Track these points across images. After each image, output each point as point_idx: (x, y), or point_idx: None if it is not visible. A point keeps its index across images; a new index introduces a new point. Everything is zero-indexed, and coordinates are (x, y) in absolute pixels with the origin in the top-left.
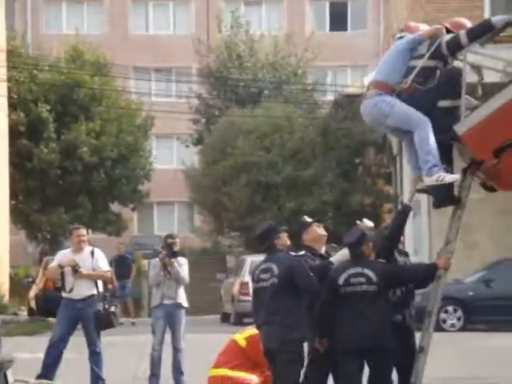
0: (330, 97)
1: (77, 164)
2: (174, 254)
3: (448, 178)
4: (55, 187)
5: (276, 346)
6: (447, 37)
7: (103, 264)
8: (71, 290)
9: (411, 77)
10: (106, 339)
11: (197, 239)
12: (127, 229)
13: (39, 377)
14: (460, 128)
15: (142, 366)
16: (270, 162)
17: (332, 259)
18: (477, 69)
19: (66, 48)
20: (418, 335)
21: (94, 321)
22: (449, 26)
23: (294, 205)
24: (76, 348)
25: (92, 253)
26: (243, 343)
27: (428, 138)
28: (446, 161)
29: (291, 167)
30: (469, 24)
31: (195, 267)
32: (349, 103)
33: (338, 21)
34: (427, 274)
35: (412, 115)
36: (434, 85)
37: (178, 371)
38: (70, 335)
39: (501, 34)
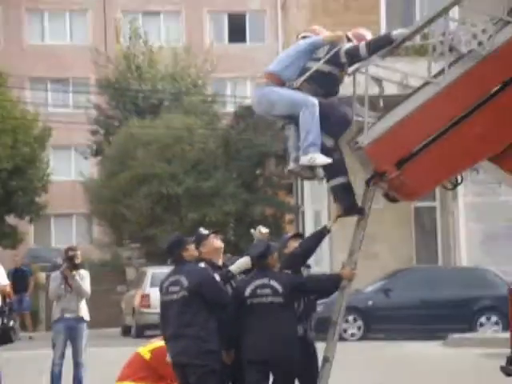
0: (230, 108)
1: None
2: (76, 267)
3: (320, 159)
4: None
5: (187, 360)
6: (347, 45)
7: (2, 278)
8: None
9: (303, 78)
10: (4, 354)
11: (96, 251)
12: (23, 241)
13: None
14: (363, 140)
15: (42, 382)
16: (171, 173)
17: (232, 268)
18: (378, 81)
19: None
20: (320, 345)
21: None
22: (350, 36)
23: (196, 216)
24: None
25: None
26: (147, 356)
27: (312, 118)
28: None
29: (192, 178)
30: (370, 36)
31: (94, 280)
32: (249, 114)
33: (237, 33)
34: (332, 284)
35: (297, 97)
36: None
37: None
38: None
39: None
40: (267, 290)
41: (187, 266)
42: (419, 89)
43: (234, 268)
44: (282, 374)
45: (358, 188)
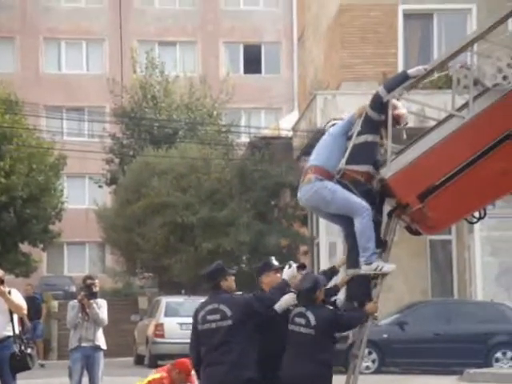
0: (245, 139)
1: None
2: (93, 295)
3: (386, 268)
4: None
5: None
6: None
7: (22, 302)
8: None
9: (344, 160)
10: (21, 382)
11: (108, 280)
12: (36, 270)
13: None
14: (386, 172)
15: None
16: (186, 202)
17: (276, 306)
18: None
19: None
20: (336, 378)
21: (10, 363)
22: None
23: (211, 245)
24: None
25: (9, 293)
26: None
27: (370, 226)
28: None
29: (207, 208)
30: (397, 104)
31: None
32: (265, 145)
33: (252, 64)
34: (360, 320)
35: (354, 202)
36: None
37: None
38: None
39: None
40: (302, 320)
41: (225, 296)
42: (443, 122)
43: (278, 306)
44: None
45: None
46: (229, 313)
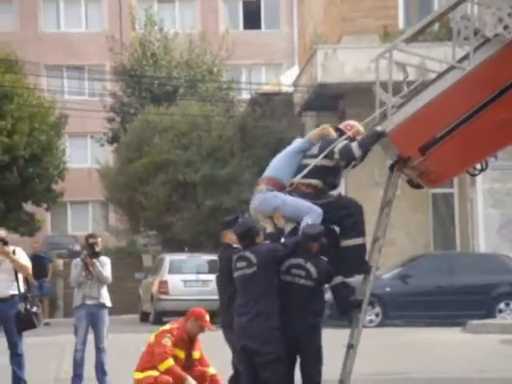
0: (246, 95)
1: None
2: (96, 254)
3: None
4: None
5: (256, 346)
6: (340, 145)
7: (25, 262)
8: None
9: (301, 174)
10: (27, 340)
11: (112, 238)
12: (40, 229)
13: None
14: (387, 126)
15: (63, 367)
16: (188, 160)
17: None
18: (402, 66)
19: None
20: (338, 332)
21: (16, 322)
22: (341, 127)
23: (212, 203)
24: None
25: (13, 252)
26: (152, 340)
27: (312, 215)
28: None
29: (209, 166)
30: (358, 125)
31: (111, 267)
32: (265, 101)
33: (252, 19)
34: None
35: (303, 205)
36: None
37: (101, 372)
38: None
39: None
40: (301, 272)
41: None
42: (443, 74)
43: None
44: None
45: (381, 176)
46: (254, 260)
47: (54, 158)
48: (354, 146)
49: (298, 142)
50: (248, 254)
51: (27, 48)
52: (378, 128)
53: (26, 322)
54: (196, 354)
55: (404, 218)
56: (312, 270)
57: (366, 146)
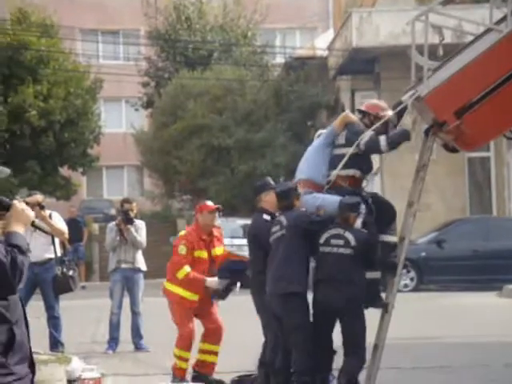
0: (280, 59)
1: (25, 127)
2: (130, 220)
3: None
4: (3, 151)
5: (280, 312)
6: (367, 137)
7: (62, 225)
8: (32, 244)
9: (336, 170)
10: (63, 303)
11: (147, 203)
12: (76, 193)
13: None
14: (422, 90)
15: (100, 330)
16: (222, 124)
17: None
18: (438, 29)
19: (12, 10)
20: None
21: (52, 285)
22: (363, 109)
23: (247, 168)
24: (34, 312)
25: (50, 216)
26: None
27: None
28: None
29: (243, 130)
30: (384, 106)
31: (146, 231)
32: (300, 65)
33: None
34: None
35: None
36: None
37: (137, 335)
38: (28, 300)
39: None
40: (340, 242)
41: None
42: (480, 36)
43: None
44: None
45: (416, 140)
46: (285, 222)
47: (90, 123)
48: (382, 140)
49: (322, 137)
50: (282, 218)
51: (62, 12)
52: (407, 127)
53: (63, 286)
54: (218, 251)
55: (440, 183)
56: (350, 237)
57: (394, 144)
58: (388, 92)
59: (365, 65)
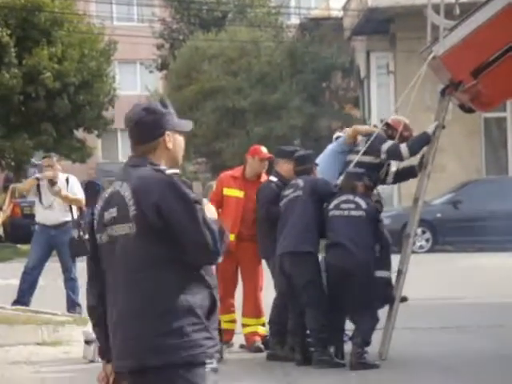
0: (295, 20)
1: (39, 90)
2: None
3: None
4: (18, 113)
5: (289, 270)
6: (388, 145)
7: (78, 191)
8: (50, 207)
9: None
10: (80, 265)
11: None
12: (92, 155)
13: (15, 302)
14: (438, 49)
15: None
16: (237, 86)
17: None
18: None
19: None
20: (394, 257)
21: (69, 248)
22: (390, 123)
23: (262, 130)
24: (51, 274)
25: (67, 180)
26: None
27: None
28: None
29: (258, 92)
30: (407, 125)
31: None
32: (315, 26)
33: None
34: None
35: None
36: None
37: None
38: (45, 262)
39: None
40: (351, 205)
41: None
42: None
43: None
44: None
45: (432, 100)
46: (301, 184)
47: (104, 85)
48: (404, 148)
49: (337, 142)
50: (299, 180)
51: None
52: (429, 131)
53: (79, 248)
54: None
55: (455, 143)
56: (361, 202)
57: (415, 151)
58: (403, 52)
59: (380, 25)
